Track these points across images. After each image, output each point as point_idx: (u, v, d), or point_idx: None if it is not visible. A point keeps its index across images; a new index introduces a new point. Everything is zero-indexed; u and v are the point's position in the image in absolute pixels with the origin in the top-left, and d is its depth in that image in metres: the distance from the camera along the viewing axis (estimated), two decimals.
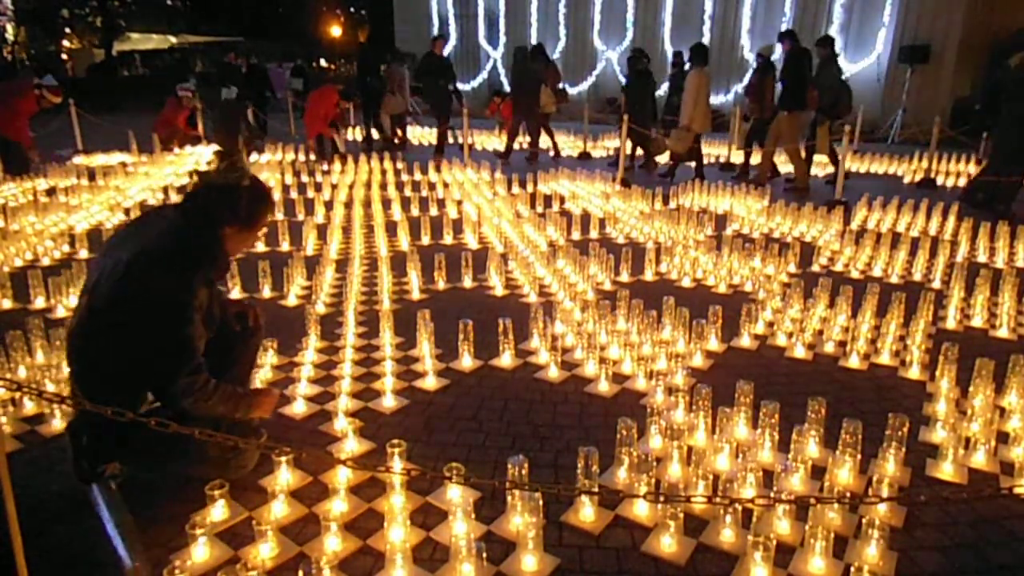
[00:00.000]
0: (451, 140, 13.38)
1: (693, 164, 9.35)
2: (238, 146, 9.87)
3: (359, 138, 11.86)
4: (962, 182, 9.36)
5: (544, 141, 11.56)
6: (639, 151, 10.53)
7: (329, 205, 7.15)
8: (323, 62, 31.19)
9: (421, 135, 14.23)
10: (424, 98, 12.38)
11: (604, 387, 3.23)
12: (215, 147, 10.26)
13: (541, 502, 2.14)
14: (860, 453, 2.51)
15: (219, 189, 2.26)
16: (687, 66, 9.50)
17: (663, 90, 11.57)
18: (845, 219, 6.65)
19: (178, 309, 2.11)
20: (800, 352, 3.66)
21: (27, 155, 8.71)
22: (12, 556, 1.57)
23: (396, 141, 12.19)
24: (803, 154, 8.55)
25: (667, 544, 2.15)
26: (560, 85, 11.96)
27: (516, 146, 11.34)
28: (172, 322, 2.11)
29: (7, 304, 4.29)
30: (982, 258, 5.53)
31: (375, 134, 11.96)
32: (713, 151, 11.67)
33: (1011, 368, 3.10)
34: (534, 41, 17.48)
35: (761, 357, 3.66)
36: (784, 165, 9.45)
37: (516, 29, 20.27)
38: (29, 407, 2.97)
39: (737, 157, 10.67)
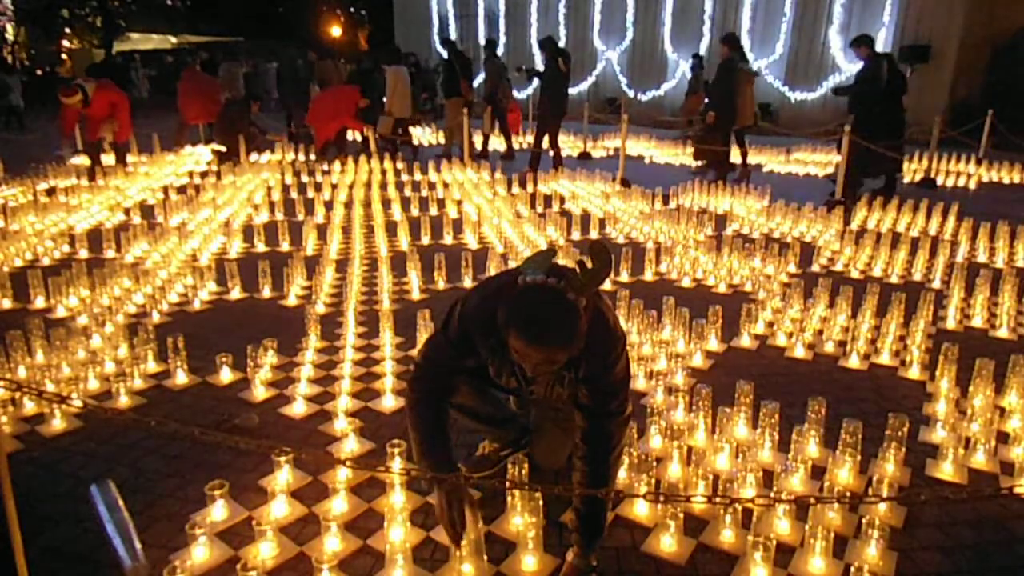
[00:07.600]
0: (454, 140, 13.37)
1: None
2: (238, 146, 9.86)
3: (358, 138, 11.88)
4: (962, 182, 9.39)
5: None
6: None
7: (329, 205, 7.14)
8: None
9: (420, 136, 14.21)
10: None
11: None
12: (214, 146, 10.24)
13: (541, 502, 2.14)
14: (860, 453, 2.51)
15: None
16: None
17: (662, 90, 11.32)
18: (845, 219, 6.65)
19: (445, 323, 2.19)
20: (800, 352, 3.66)
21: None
22: (12, 556, 1.57)
23: (398, 143, 12.19)
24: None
25: (667, 544, 2.15)
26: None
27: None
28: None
29: (7, 304, 4.29)
30: (982, 258, 5.53)
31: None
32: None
33: (1011, 368, 3.10)
34: (534, 42, 17.64)
35: (761, 357, 3.66)
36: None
37: (516, 29, 20.25)
38: (29, 407, 2.97)
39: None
